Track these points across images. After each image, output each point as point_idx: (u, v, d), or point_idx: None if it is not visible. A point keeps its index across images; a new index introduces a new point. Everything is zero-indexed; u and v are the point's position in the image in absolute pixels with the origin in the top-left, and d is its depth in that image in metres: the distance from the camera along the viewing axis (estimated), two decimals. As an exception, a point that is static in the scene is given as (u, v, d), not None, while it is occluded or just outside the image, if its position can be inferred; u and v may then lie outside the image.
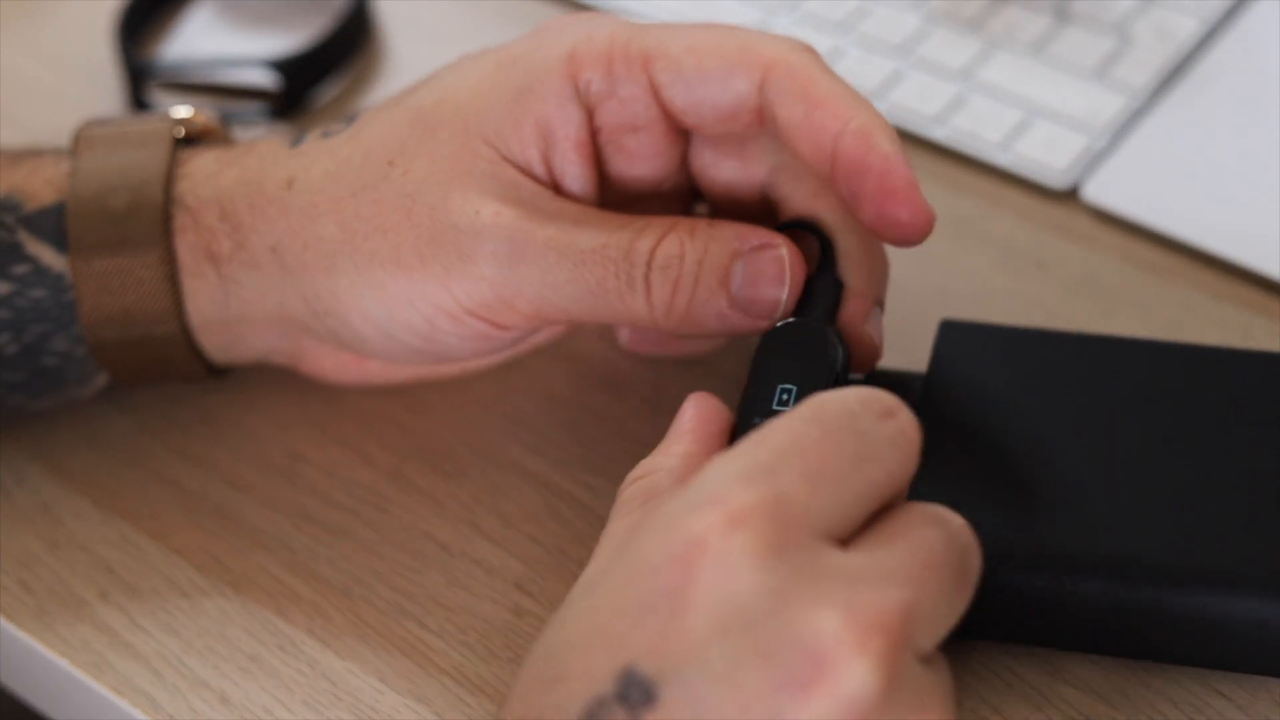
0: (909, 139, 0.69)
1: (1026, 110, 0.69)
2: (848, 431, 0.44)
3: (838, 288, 0.54)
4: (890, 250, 0.65)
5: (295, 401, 0.62)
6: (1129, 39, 0.71)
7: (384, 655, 0.55)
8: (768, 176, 0.56)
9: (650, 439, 0.59)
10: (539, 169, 0.55)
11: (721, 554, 0.41)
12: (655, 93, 0.54)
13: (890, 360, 0.57)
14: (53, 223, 0.57)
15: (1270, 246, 0.63)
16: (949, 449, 0.53)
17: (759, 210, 0.57)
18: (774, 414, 0.52)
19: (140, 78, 0.72)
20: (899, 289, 0.60)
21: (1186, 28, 0.71)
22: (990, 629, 0.52)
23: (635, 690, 0.41)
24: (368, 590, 0.57)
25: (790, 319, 0.54)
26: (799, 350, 0.53)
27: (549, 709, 0.42)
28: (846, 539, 0.44)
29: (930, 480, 0.52)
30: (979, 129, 0.69)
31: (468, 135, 0.55)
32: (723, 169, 0.57)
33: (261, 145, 0.58)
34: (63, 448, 0.61)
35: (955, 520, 0.45)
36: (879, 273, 0.55)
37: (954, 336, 0.56)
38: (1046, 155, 0.67)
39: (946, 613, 0.44)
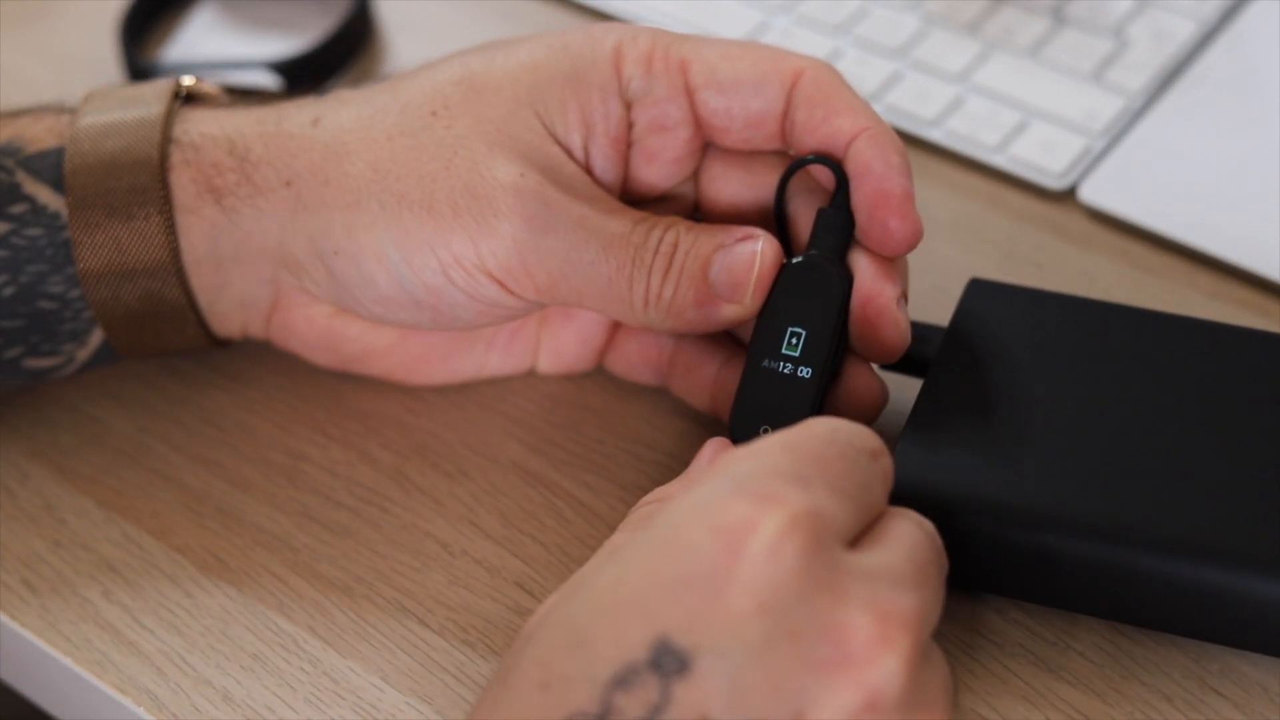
0: (907, 140, 0.69)
1: (1024, 112, 0.69)
2: (854, 460, 0.47)
3: (851, 222, 0.55)
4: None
5: (297, 402, 0.62)
6: (1126, 41, 0.71)
7: (385, 654, 0.55)
8: (771, 195, 0.58)
9: (651, 439, 0.60)
10: (579, 154, 0.56)
11: (772, 542, 0.44)
12: (689, 95, 0.56)
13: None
14: (51, 164, 0.57)
15: (1266, 247, 0.63)
16: (961, 403, 0.54)
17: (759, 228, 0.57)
18: (784, 358, 0.54)
19: (143, 79, 0.72)
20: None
21: (1183, 30, 0.71)
22: (979, 582, 0.53)
23: (669, 660, 0.43)
24: (369, 589, 0.57)
25: (799, 256, 0.55)
26: (807, 289, 0.55)
27: (574, 673, 0.43)
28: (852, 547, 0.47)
29: (938, 433, 0.53)
30: (977, 130, 0.69)
31: (518, 103, 0.56)
32: (731, 182, 0.58)
33: (280, 100, 0.60)
34: (66, 448, 0.61)
35: (927, 523, 0.48)
36: (901, 265, 0.57)
37: (979, 294, 0.57)
38: (1044, 157, 0.68)
39: (937, 608, 0.47)
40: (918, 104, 0.70)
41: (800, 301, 0.55)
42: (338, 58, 0.74)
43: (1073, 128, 0.68)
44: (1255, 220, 0.64)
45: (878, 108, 0.70)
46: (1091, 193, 0.66)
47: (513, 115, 0.56)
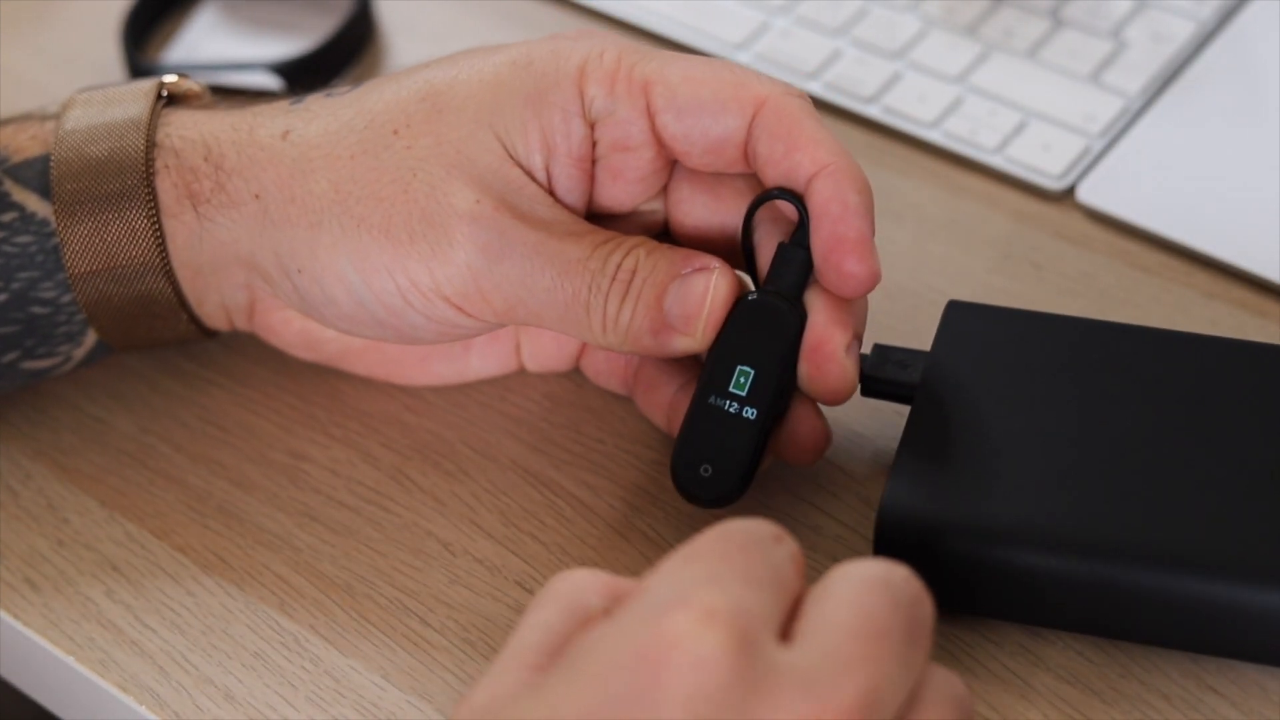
0: (906, 141, 0.70)
1: (1023, 113, 0.69)
2: (758, 549, 0.45)
3: (810, 259, 0.55)
4: (889, 251, 0.66)
5: (298, 402, 0.62)
6: (1124, 42, 0.71)
7: (387, 652, 0.55)
8: (738, 219, 0.57)
9: (651, 439, 0.60)
10: (540, 175, 0.56)
11: (695, 649, 0.41)
12: (650, 117, 0.55)
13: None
14: (38, 171, 0.57)
15: (1264, 247, 0.63)
16: (946, 426, 0.54)
17: (725, 252, 0.57)
18: (731, 396, 0.54)
19: (144, 81, 0.72)
20: (896, 290, 0.61)
21: (1181, 31, 0.71)
22: (971, 604, 0.53)
23: None
24: (370, 588, 0.57)
25: (753, 292, 0.55)
26: (759, 327, 0.54)
27: None
28: (780, 635, 0.44)
29: (929, 461, 0.53)
30: (976, 131, 0.69)
31: (477, 124, 0.55)
32: (696, 205, 0.57)
33: (259, 103, 0.60)
34: (68, 447, 0.62)
35: (896, 575, 0.44)
36: (857, 308, 0.56)
37: (959, 316, 0.57)
38: (1042, 157, 0.68)
39: (904, 675, 0.43)
40: (917, 105, 0.70)
41: (752, 339, 0.54)
42: (339, 59, 0.73)
43: (1071, 129, 0.68)
44: (1254, 220, 0.64)
45: (876, 109, 0.70)
46: (1090, 193, 0.66)
47: (472, 137, 0.55)
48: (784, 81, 0.56)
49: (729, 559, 0.44)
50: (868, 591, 0.44)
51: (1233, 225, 0.64)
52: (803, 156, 0.54)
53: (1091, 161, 0.68)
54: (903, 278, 0.62)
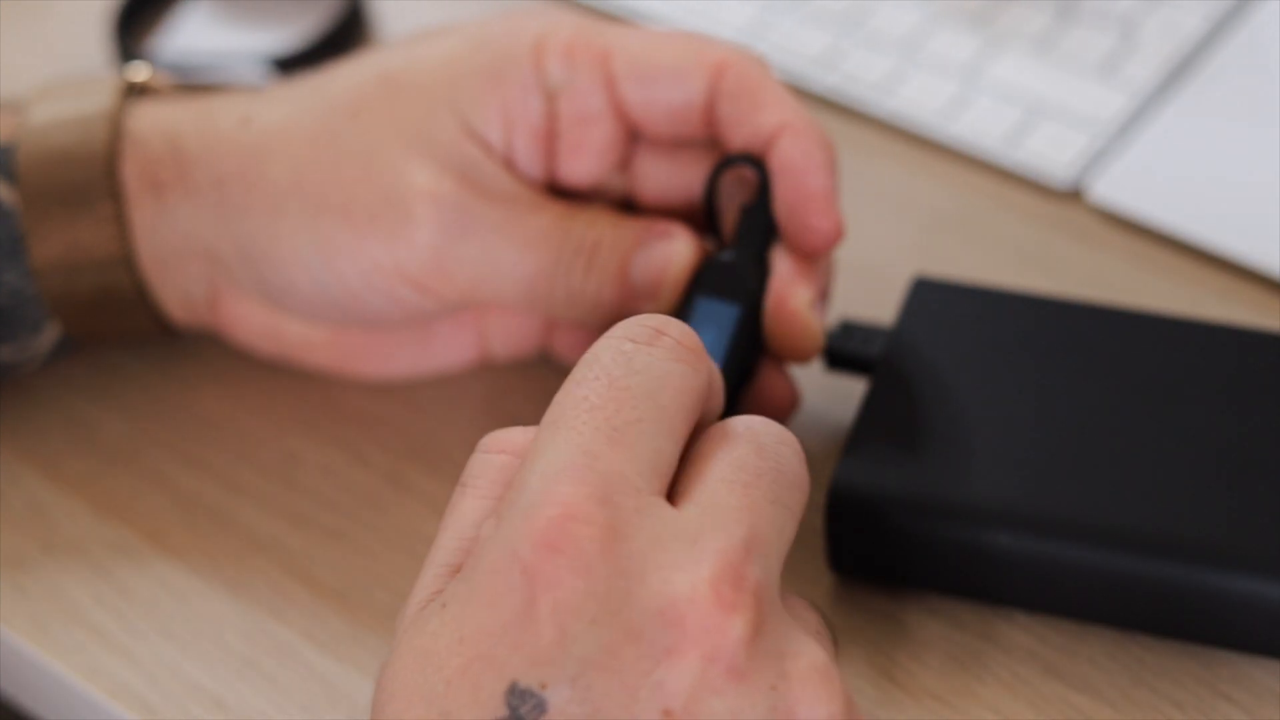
0: (912, 138, 0.69)
1: (1031, 109, 0.69)
2: (625, 372, 0.44)
3: (773, 220, 0.55)
4: (896, 250, 0.65)
5: (292, 402, 0.62)
6: (1134, 36, 0.70)
7: (381, 659, 0.55)
8: (699, 186, 0.57)
9: (650, 440, 0.59)
10: (500, 151, 0.56)
11: (567, 553, 0.42)
12: (610, 86, 0.56)
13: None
14: (3, 159, 0.57)
15: (1277, 246, 0.63)
16: (903, 401, 0.54)
17: (688, 220, 0.57)
18: None
19: (137, 76, 0.72)
20: (902, 288, 0.60)
21: (1192, 25, 0.70)
22: (921, 579, 0.53)
23: (526, 705, 0.41)
24: (365, 593, 0.57)
25: (718, 254, 0.55)
26: (723, 288, 0.54)
27: None
28: (671, 475, 0.44)
29: (880, 432, 0.53)
30: (983, 128, 0.68)
31: (434, 102, 0.55)
32: (657, 176, 0.58)
33: (222, 89, 0.60)
34: (57, 449, 0.61)
35: (756, 423, 0.46)
36: (820, 265, 0.56)
37: (925, 293, 0.57)
38: (1051, 154, 0.67)
39: (783, 514, 0.44)
40: (923, 101, 0.70)
41: (715, 301, 0.54)
42: (332, 53, 0.73)
43: (1080, 125, 0.68)
44: (1267, 218, 0.64)
45: (882, 105, 0.70)
46: (1099, 191, 0.66)
47: (430, 115, 0.55)
48: (740, 45, 0.56)
49: (591, 409, 0.44)
50: (735, 444, 0.45)
51: (1246, 223, 0.64)
52: (765, 116, 0.55)
53: (1101, 158, 0.67)
54: (910, 276, 0.61)
